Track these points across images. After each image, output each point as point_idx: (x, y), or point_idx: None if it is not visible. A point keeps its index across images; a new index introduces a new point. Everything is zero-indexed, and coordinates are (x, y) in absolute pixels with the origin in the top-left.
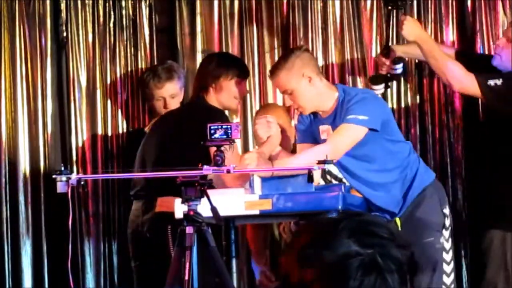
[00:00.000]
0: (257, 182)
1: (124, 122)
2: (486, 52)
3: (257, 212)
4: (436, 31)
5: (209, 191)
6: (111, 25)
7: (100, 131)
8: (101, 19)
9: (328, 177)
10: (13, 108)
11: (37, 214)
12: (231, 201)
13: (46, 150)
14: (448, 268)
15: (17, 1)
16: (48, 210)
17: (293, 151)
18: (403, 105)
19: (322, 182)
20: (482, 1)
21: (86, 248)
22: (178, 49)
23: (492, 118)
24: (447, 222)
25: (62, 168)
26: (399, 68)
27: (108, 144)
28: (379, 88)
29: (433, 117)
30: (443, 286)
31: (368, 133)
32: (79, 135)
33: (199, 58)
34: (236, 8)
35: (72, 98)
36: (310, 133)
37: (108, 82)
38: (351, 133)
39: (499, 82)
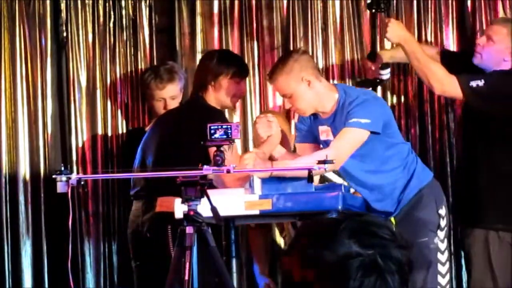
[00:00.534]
0: (257, 182)
1: (124, 122)
2: None
3: (257, 212)
4: (436, 31)
5: (209, 191)
6: (111, 25)
7: (100, 131)
8: (101, 19)
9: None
10: (13, 108)
11: (37, 214)
12: (231, 201)
13: (46, 150)
14: (443, 269)
15: (17, 1)
16: (48, 210)
17: None
18: (403, 105)
19: None
20: (482, 1)
21: (86, 248)
22: (178, 49)
23: (472, 117)
24: (443, 223)
25: (62, 168)
26: (385, 73)
27: (108, 144)
28: None
29: (433, 117)
30: (438, 287)
31: (369, 135)
32: (79, 135)
33: (198, 58)
34: (236, 8)
35: (72, 98)
36: (310, 132)
37: (108, 82)
38: (354, 137)
39: (481, 83)
